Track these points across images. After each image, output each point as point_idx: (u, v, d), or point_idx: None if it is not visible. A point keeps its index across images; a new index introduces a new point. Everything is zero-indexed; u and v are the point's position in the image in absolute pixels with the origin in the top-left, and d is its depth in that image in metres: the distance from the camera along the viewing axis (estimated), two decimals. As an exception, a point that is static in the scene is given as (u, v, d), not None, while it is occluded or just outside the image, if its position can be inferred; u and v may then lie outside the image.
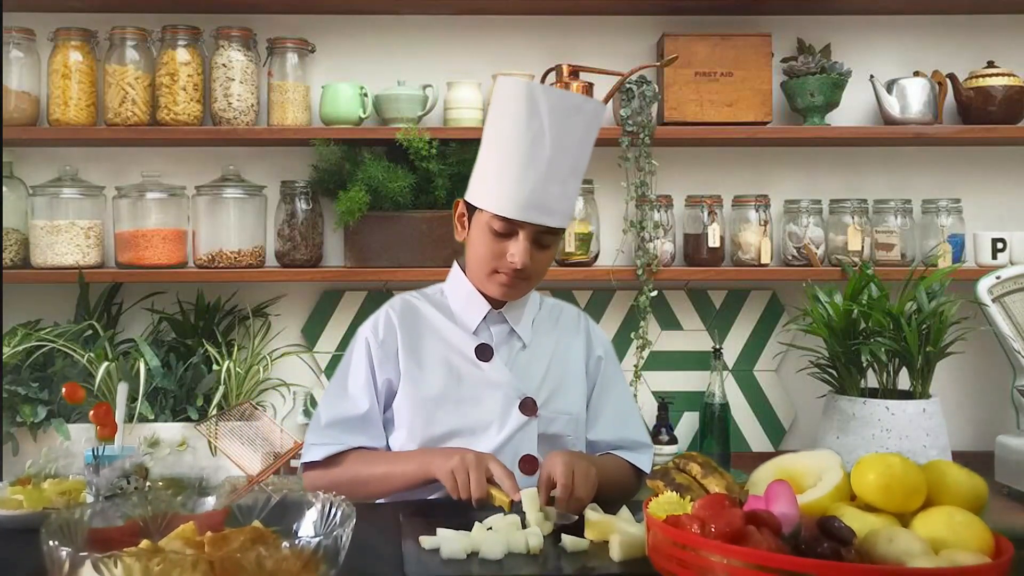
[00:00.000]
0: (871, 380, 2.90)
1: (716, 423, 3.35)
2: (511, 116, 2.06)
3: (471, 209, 2.15)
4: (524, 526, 1.69)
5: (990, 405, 3.58)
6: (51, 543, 1.18)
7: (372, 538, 1.63)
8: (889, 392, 2.85)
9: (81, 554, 1.14)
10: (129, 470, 1.82)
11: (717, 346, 3.41)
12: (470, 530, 1.64)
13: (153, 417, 3.12)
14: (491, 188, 2.08)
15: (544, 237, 2.10)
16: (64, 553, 1.16)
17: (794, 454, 1.61)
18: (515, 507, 1.80)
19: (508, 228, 2.07)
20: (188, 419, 3.15)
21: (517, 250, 2.07)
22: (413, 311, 2.24)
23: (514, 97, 2.06)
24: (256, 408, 3.11)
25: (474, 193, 2.14)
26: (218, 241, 3.37)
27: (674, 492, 1.52)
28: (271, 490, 1.44)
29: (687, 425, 3.54)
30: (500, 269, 2.11)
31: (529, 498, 1.74)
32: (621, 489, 2.13)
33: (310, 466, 2.13)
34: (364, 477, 2.08)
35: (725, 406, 3.36)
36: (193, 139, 3.40)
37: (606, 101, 3.29)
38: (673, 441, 3.35)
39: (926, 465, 1.48)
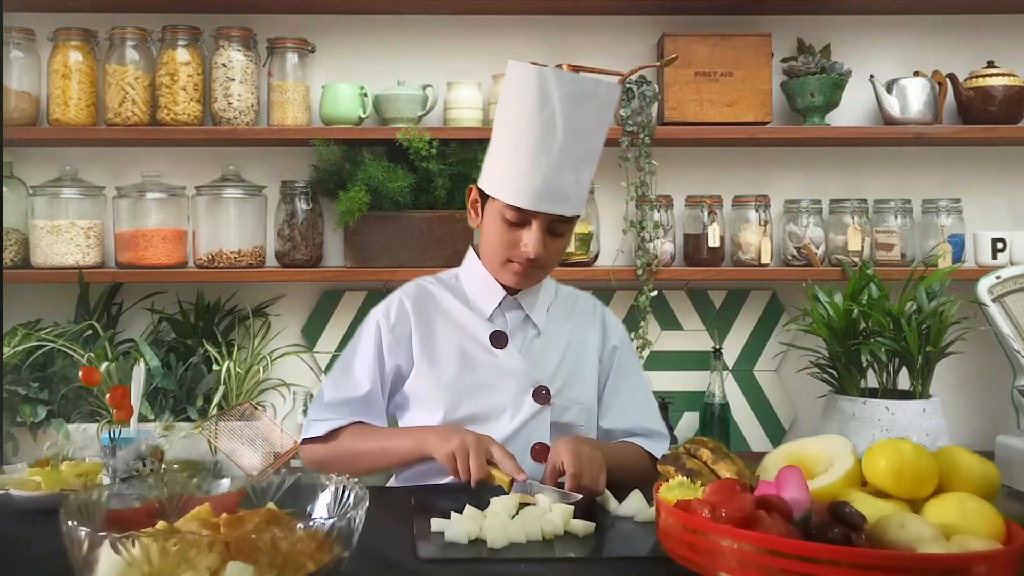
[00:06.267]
0: (871, 380, 2.90)
1: (716, 423, 3.36)
2: (522, 103, 2.03)
3: (484, 196, 2.14)
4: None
5: (990, 405, 3.58)
6: (70, 523, 1.18)
7: (385, 520, 1.63)
8: (889, 392, 2.84)
9: (99, 534, 1.15)
10: (145, 452, 1.83)
11: (717, 346, 3.42)
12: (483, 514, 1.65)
13: (153, 417, 3.11)
14: (503, 177, 2.07)
15: (558, 225, 2.09)
16: (83, 533, 1.16)
17: (805, 440, 1.60)
18: (516, 486, 1.80)
19: (521, 217, 2.06)
20: (188, 419, 3.14)
21: (531, 240, 2.06)
22: (428, 296, 2.23)
23: (525, 83, 2.03)
24: (256, 408, 3.12)
25: (487, 181, 2.13)
26: (218, 241, 3.37)
27: (685, 477, 1.52)
28: (284, 473, 1.44)
29: (687, 425, 3.54)
30: (514, 258, 2.09)
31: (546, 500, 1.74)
32: (636, 476, 2.09)
33: (309, 441, 2.13)
34: (360, 451, 2.08)
35: (725, 406, 3.37)
36: (193, 139, 3.40)
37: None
38: (673, 441, 3.33)
39: (938, 452, 1.48)
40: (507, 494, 1.78)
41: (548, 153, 2.02)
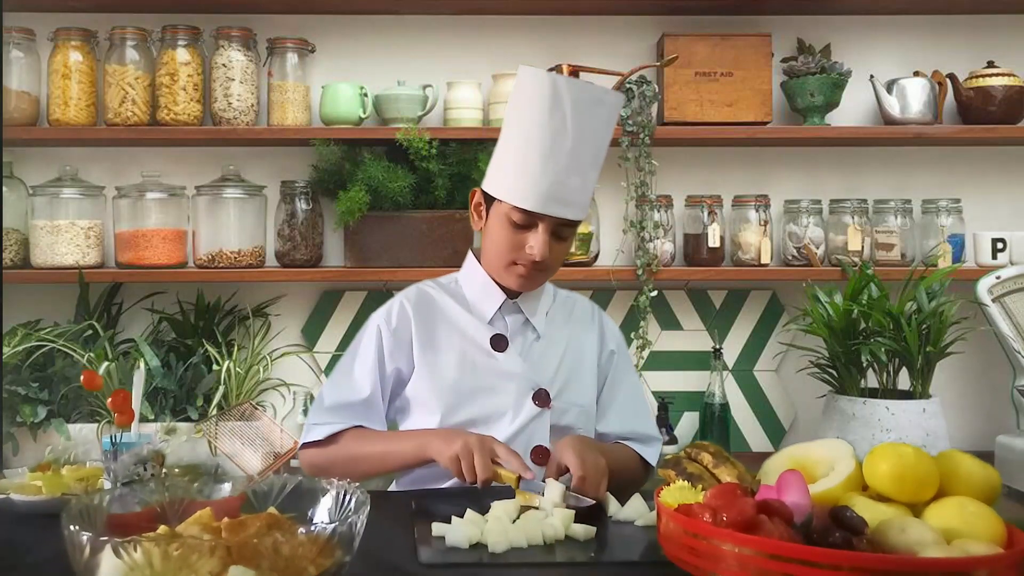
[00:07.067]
0: (871, 380, 2.90)
1: (716, 423, 3.36)
2: (533, 108, 2.04)
3: (489, 199, 2.15)
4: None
5: (990, 405, 3.58)
6: (72, 528, 1.18)
7: (386, 525, 1.63)
8: (889, 392, 2.85)
9: (101, 539, 1.15)
10: (146, 457, 1.82)
11: (717, 346, 3.41)
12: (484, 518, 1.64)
13: (153, 417, 3.11)
14: (511, 179, 2.08)
15: (563, 229, 2.10)
16: (84, 538, 1.16)
17: (806, 444, 1.60)
18: (523, 484, 1.80)
19: (528, 220, 2.07)
20: (188, 419, 3.14)
21: (536, 242, 2.07)
22: (428, 300, 2.23)
23: (537, 89, 2.05)
24: (256, 408, 3.12)
25: (493, 184, 2.13)
26: (218, 241, 3.37)
27: (686, 481, 1.52)
28: (285, 476, 1.44)
29: (687, 425, 3.54)
30: (519, 261, 2.10)
31: (555, 490, 1.74)
32: (629, 478, 2.12)
33: (309, 445, 2.13)
34: (360, 455, 2.08)
35: (725, 406, 3.36)
36: (193, 139, 3.40)
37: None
38: (673, 441, 3.35)
39: (939, 455, 1.48)
40: (515, 490, 1.78)
41: (557, 157, 2.03)
